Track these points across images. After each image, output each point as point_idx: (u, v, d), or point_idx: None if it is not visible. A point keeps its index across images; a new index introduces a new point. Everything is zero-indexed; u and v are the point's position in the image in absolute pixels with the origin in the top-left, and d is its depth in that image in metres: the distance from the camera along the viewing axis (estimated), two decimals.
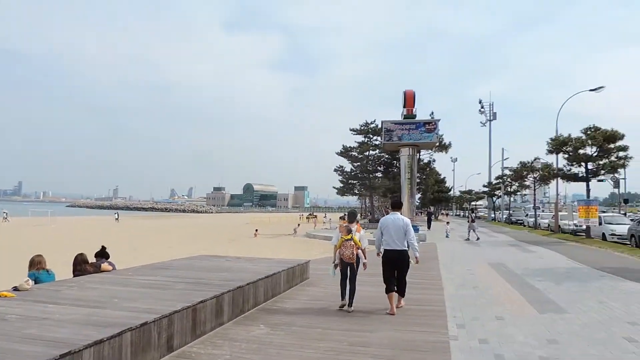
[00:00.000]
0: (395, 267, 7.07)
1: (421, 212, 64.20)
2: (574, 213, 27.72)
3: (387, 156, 45.50)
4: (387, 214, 7.60)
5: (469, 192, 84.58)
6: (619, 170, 27.59)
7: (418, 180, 40.90)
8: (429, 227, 34.04)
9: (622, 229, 21.67)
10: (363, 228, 8.22)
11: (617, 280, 10.47)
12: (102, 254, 7.88)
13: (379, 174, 48.93)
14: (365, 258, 7.31)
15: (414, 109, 22.85)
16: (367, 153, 47.04)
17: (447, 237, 25.42)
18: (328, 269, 7.92)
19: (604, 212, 33.79)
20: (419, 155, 36.12)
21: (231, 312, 6.28)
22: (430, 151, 44.66)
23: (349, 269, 7.17)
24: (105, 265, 7.68)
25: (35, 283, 6.29)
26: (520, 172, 41.37)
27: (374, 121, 46.10)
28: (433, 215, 49.41)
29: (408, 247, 7.05)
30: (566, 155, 26.42)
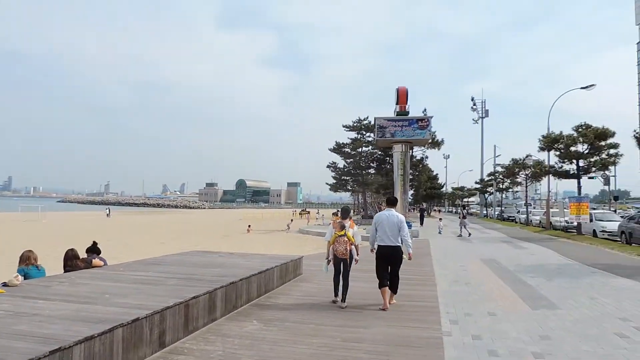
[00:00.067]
0: (389, 262, 7.08)
1: (414, 209, 64.41)
2: (565, 210, 27.95)
3: (380, 153, 45.56)
4: (380, 210, 7.60)
5: (461, 188, 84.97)
6: (609, 167, 27.83)
7: (411, 177, 41.02)
8: (421, 224, 34.16)
9: (613, 226, 21.87)
10: (356, 224, 8.21)
11: (608, 276, 10.55)
12: (93, 250, 7.81)
13: (371, 171, 49.02)
14: (357, 254, 7.31)
15: (406, 106, 22.87)
16: (360, 149, 47.07)
17: (439, 233, 25.51)
18: (321, 265, 7.90)
19: (594, 209, 34.09)
20: (412, 152, 36.13)
21: (224, 308, 6.25)
22: (422, 148, 44.73)
23: (342, 264, 7.18)
24: (96, 261, 7.59)
25: (25, 279, 6.21)
26: (512, 169, 41.57)
27: (367, 118, 46.12)
28: (425, 212, 49.57)
29: (401, 243, 7.06)
30: (558, 153, 26.60)
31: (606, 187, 55.68)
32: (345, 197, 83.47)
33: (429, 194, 66.33)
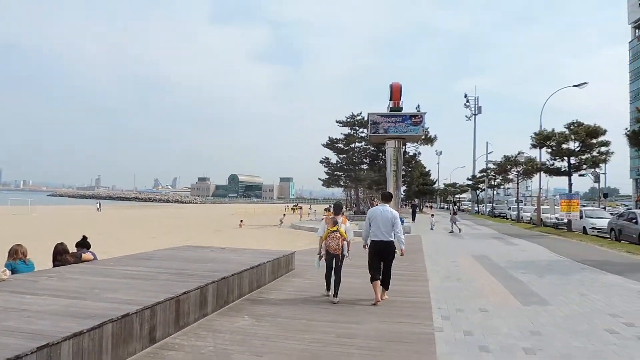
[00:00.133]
0: (382, 258, 7.09)
1: (406, 205, 64.62)
2: (555, 207, 28.16)
3: (373, 148, 45.60)
4: (372, 206, 7.61)
5: (453, 185, 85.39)
6: (600, 165, 28.07)
7: (403, 173, 41.07)
8: (413, 220, 34.27)
9: (603, 223, 22.08)
10: (348, 220, 8.20)
11: (598, 272, 10.65)
12: (83, 244, 7.72)
13: (364, 166, 49.09)
14: (348, 250, 7.30)
15: (400, 102, 22.88)
16: (353, 145, 47.10)
17: (431, 229, 25.60)
18: (313, 261, 7.88)
19: (584, 206, 34.43)
20: (405, 148, 36.23)
21: (215, 303, 6.21)
22: (415, 144, 44.87)
23: (334, 260, 7.17)
24: (86, 255, 7.51)
25: (13, 273, 6.12)
26: (504, 166, 41.82)
27: (360, 113, 46.14)
28: (417, 208, 49.75)
29: (394, 238, 7.07)
30: (549, 150, 26.78)
31: (596, 185, 56.22)
32: (337, 192, 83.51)
33: (421, 190, 66.55)
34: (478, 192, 62.37)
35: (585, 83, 30.30)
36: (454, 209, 27.05)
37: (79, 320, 4.00)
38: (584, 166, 26.03)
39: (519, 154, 39.81)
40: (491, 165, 50.91)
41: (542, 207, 32.18)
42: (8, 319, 4.02)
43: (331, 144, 47.98)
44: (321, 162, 50.45)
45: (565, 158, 25.93)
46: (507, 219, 42.71)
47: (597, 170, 36.44)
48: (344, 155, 48.24)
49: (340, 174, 50.66)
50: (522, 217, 37.72)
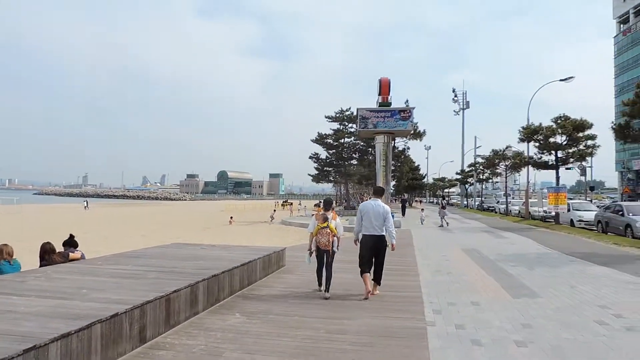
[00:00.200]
0: (374, 251, 7.10)
1: (395, 199, 64.87)
2: (543, 200, 28.44)
3: (362, 144, 45.70)
4: (362, 201, 7.61)
5: (442, 179, 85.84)
6: (586, 158, 28.39)
7: (393, 168, 41.19)
8: (403, 214, 34.38)
9: (590, 216, 22.36)
10: (338, 215, 8.19)
11: (586, 264, 10.76)
12: (71, 243, 7.60)
13: (354, 162, 49.19)
14: (338, 245, 7.29)
15: (389, 97, 22.92)
16: (342, 140, 47.10)
17: (421, 223, 25.71)
18: (304, 257, 7.86)
19: (570, 199, 34.84)
20: (394, 143, 36.30)
21: (206, 301, 6.15)
22: (405, 139, 44.98)
23: (325, 256, 7.16)
24: (74, 255, 7.40)
25: None
26: (493, 160, 42.14)
27: (349, 109, 46.16)
28: (407, 202, 49.98)
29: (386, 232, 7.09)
30: (537, 144, 26.99)
31: (582, 178, 56.94)
32: (327, 188, 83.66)
33: (410, 184, 66.89)
34: (467, 186, 62.80)
35: (571, 77, 30.56)
36: (442, 203, 27.17)
37: (67, 321, 3.93)
38: (571, 160, 26.32)
39: (507, 148, 40.11)
40: (480, 160, 51.30)
41: (530, 200, 32.46)
42: None
43: (320, 140, 47.94)
44: (310, 157, 50.42)
45: (553, 152, 26.17)
46: (496, 212, 43.07)
47: (583, 163, 36.89)
48: (334, 151, 48.27)
49: (329, 169, 50.70)
50: (510, 211, 38.05)
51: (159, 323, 4.98)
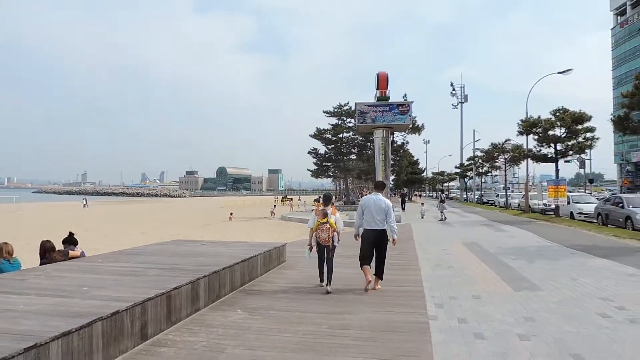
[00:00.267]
0: (375, 246, 7.08)
1: (395, 194, 64.85)
2: (543, 193, 28.45)
3: (361, 138, 45.60)
4: (362, 196, 7.60)
5: (442, 173, 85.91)
6: (585, 151, 28.38)
7: (392, 162, 41.17)
8: (402, 209, 34.40)
9: (590, 208, 22.36)
10: (338, 210, 8.16)
11: (587, 257, 10.75)
12: (70, 241, 7.56)
13: (353, 156, 49.08)
14: (338, 240, 7.28)
15: (387, 91, 22.78)
16: (341, 135, 47.00)
17: (422, 217, 25.71)
18: (304, 252, 7.84)
19: (570, 192, 34.88)
20: (393, 137, 36.26)
21: (207, 297, 6.13)
22: (403, 133, 44.92)
23: (325, 251, 7.16)
24: (73, 252, 7.36)
25: None
26: (492, 154, 42.11)
27: (347, 103, 46.05)
28: (407, 197, 49.98)
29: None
30: (536, 137, 26.96)
31: (582, 171, 56.98)
32: (326, 183, 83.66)
33: (410, 179, 66.80)
34: (466, 179, 62.82)
35: (569, 70, 30.50)
36: (441, 197, 27.17)
37: (68, 319, 3.90)
38: (570, 152, 26.30)
39: (506, 141, 40.07)
40: (478, 153, 51.25)
41: (529, 193, 32.47)
42: None
43: (319, 135, 47.81)
44: (309, 153, 50.28)
45: (552, 144, 26.15)
46: (496, 206, 43.10)
47: (582, 156, 36.93)
48: (332, 146, 48.13)
49: (328, 164, 50.57)
50: (510, 204, 38.07)
51: (160, 320, 4.96)
